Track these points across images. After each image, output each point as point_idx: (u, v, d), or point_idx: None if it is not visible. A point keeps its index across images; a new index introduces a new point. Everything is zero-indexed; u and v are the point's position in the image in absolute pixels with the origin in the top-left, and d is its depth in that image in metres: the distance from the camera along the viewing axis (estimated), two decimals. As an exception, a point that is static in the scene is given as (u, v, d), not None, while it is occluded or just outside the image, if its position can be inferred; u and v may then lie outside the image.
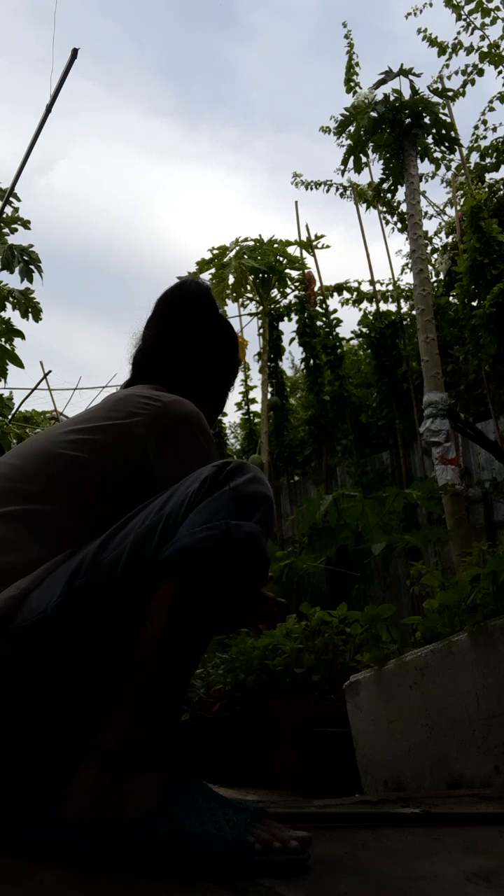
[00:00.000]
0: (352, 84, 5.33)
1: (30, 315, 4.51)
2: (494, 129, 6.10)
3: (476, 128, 6.07)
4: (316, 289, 5.91)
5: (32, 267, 4.73)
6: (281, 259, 5.76)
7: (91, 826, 0.72)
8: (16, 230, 4.91)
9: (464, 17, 5.53)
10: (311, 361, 5.80)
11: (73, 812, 0.73)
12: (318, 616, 2.42)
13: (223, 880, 0.66)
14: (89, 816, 0.72)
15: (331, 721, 2.07)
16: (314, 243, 5.94)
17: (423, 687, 1.66)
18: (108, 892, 0.64)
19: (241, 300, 5.92)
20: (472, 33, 5.63)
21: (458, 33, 5.75)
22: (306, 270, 5.92)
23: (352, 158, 4.85)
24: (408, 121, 4.62)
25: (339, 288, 6.29)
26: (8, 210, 5.01)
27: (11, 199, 4.60)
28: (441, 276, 5.79)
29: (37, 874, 0.66)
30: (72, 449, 0.98)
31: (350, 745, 1.88)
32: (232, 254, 5.62)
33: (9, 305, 4.62)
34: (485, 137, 6.08)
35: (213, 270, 5.65)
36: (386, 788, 1.71)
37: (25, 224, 4.92)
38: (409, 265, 5.26)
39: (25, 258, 4.73)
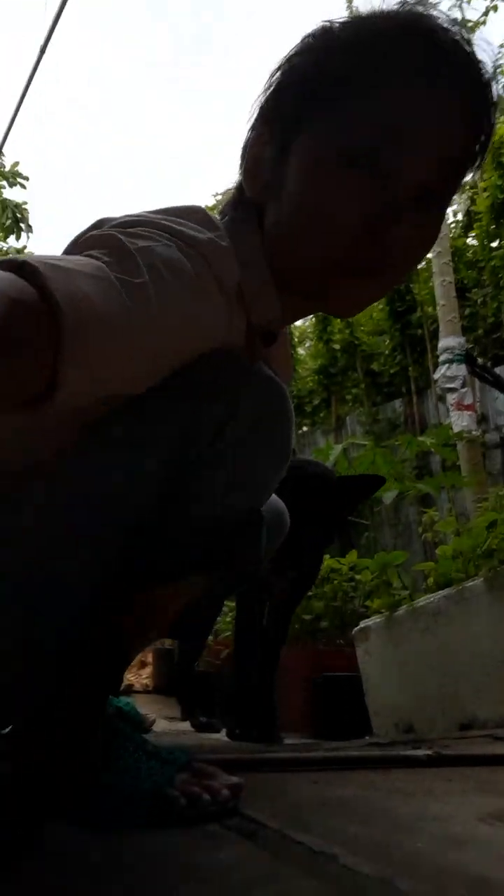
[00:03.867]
0: None
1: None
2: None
3: (502, 45, 5.64)
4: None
5: (22, 225, 4.62)
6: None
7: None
8: (14, 184, 4.78)
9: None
10: (322, 309, 5.66)
11: None
12: (328, 563, 2.40)
13: (227, 825, 0.63)
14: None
15: (340, 666, 2.08)
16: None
17: (435, 631, 1.65)
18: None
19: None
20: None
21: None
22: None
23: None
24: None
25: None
26: (8, 163, 4.86)
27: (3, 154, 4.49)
28: (459, 217, 5.57)
29: None
30: None
31: (360, 689, 1.89)
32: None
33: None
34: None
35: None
36: (397, 731, 1.72)
37: (22, 181, 4.76)
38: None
39: (18, 215, 4.63)
